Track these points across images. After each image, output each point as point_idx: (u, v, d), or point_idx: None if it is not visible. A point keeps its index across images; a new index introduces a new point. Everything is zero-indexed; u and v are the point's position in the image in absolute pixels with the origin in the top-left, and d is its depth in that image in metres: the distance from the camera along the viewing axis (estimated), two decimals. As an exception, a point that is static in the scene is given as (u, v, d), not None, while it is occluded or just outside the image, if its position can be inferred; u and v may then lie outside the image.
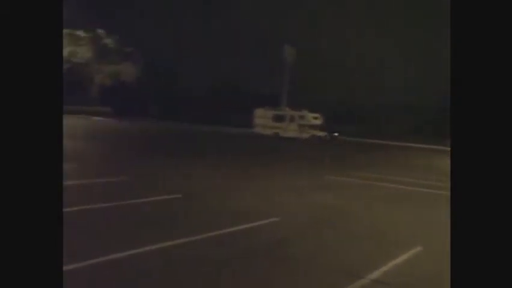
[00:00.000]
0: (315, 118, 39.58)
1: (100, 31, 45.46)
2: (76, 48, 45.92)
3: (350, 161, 24.87)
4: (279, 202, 10.61)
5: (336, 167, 19.49)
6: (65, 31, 45.61)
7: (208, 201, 10.15)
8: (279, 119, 40.36)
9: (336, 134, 39.19)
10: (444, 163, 19.95)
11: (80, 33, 45.76)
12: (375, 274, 5.90)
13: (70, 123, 34.92)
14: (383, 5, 57.76)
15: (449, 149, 3.06)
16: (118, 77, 46.99)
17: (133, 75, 46.95)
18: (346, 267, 6.25)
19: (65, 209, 8.32)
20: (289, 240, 7.44)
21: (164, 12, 48.47)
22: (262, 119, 41.06)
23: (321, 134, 38.40)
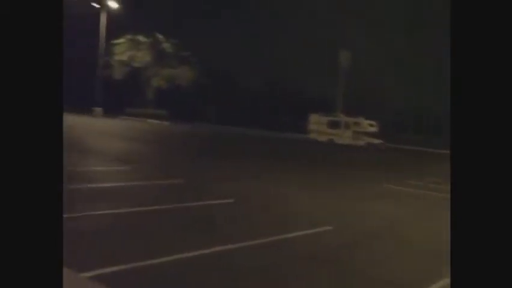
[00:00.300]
0: (371, 125, 38.86)
1: (159, 36, 46.36)
2: (136, 52, 47.02)
3: (409, 170, 24.17)
4: (334, 210, 10.36)
5: (394, 176, 18.95)
6: (126, 36, 46.83)
7: (261, 206, 10.02)
8: (334, 125, 39.91)
9: (380, 142, 38.17)
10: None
11: (141, 38, 46.82)
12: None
13: (127, 125, 35.68)
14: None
15: None
16: (175, 80, 47.74)
17: (189, 78, 47.56)
18: (396, 280, 5.97)
19: (119, 210, 8.41)
20: (341, 250, 7.21)
21: (221, 14, 48.95)
22: (317, 125, 40.73)
23: (377, 141, 37.65)
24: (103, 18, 42.06)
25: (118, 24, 43.60)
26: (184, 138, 30.42)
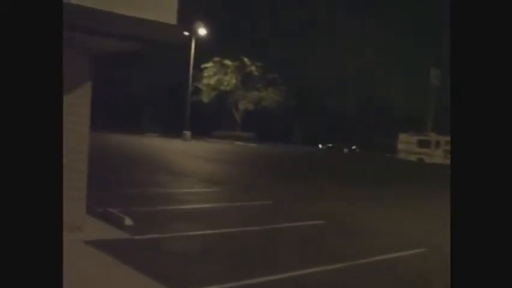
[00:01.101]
0: (464, 144, 37.12)
1: (245, 59, 47.34)
2: (223, 76, 48.31)
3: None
4: (426, 232, 9.99)
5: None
6: (214, 59, 48.21)
7: (351, 228, 9.87)
8: (424, 144, 38.68)
9: None
10: None
11: (227, 61, 48.06)
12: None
13: (215, 148, 36.50)
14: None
15: None
16: (261, 102, 48.44)
17: (276, 100, 48.07)
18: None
19: (210, 231, 8.59)
20: (430, 274, 6.95)
21: (307, 34, 49.16)
22: (406, 145, 39.69)
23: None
24: (192, 45, 43.64)
25: (207, 49, 45.11)
26: (271, 160, 30.68)
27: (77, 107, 7.46)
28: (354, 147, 50.06)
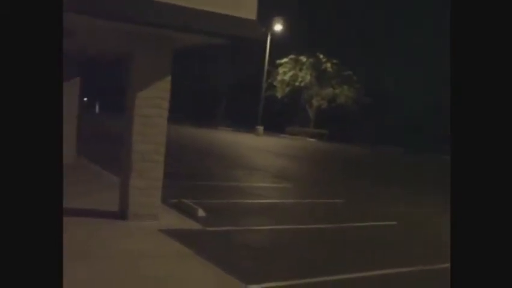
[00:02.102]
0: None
1: (321, 56, 46.98)
2: (297, 72, 48.19)
3: None
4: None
5: None
6: (289, 57, 48.17)
7: (423, 231, 9.60)
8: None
9: None
10: None
11: (303, 58, 47.89)
12: None
13: (287, 143, 36.51)
14: None
15: None
16: (335, 99, 47.95)
17: (350, 98, 47.44)
18: None
19: (281, 227, 8.62)
20: None
21: (385, 33, 48.14)
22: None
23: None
24: (268, 41, 43.85)
25: (282, 45, 45.13)
26: (344, 158, 30.33)
27: (157, 99, 7.69)
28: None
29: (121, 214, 7.78)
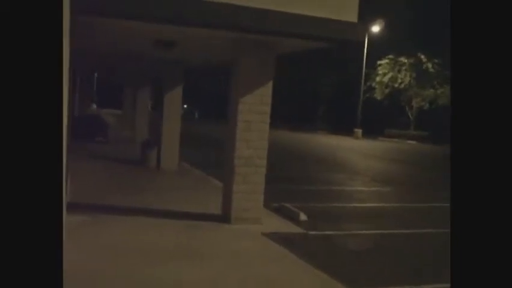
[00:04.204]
0: None
1: (422, 56, 45.40)
2: (397, 73, 46.89)
3: None
4: None
5: None
6: (388, 58, 47.01)
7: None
8: None
9: None
10: None
11: (402, 59, 46.55)
12: None
13: (387, 146, 35.64)
14: None
15: None
16: (437, 100, 46.08)
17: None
18: None
19: (384, 231, 8.44)
20: None
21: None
22: None
23: None
24: (366, 43, 43.14)
25: (381, 47, 44.18)
26: (445, 160, 29.09)
27: (259, 105, 7.83)
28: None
29: (224, 217, 7.99)
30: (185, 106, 66.50)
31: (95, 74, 29.30)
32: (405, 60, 46.58)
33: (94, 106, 31.45)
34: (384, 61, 47.41)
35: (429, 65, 45.58)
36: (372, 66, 47.26)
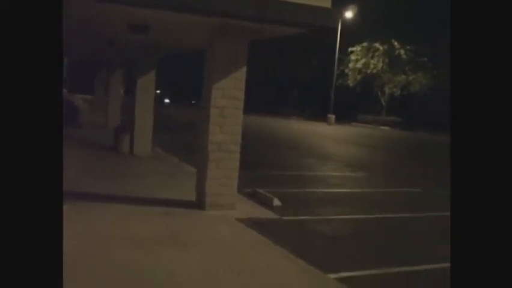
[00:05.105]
0: None
1: (395, 42, 45.72)
2: (369, 60, 47.21)
3: None
4: None
5: None
6: (361, 45, 47.27)
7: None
8: None
9: None
10: None
11: (376, 45, 46.85)
12: None
13: (359, 132, 36.00)
14: None
15: None
16: (408, 87, 46.60)
17: (425, 85, 45.89)
18: None
19: (359, 216, 8.56)
20: None
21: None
22: None
23: None
24: (338, 29, 43.27)
25: (353, 33, 44.35)
26: (418, 145, 29.53)
27: (233, 90, 7.80)
28: None
29: (199, 204, 7.97)
30: (158, 91, 65.74)
31: (66, 59, 28.76)
32: (380, 47, 46.90)
33: (65, 91, 30.90)
34: (357, 48, 47.67)
35: (402, 52, 46.01)
36: (346, 52, 47.52)
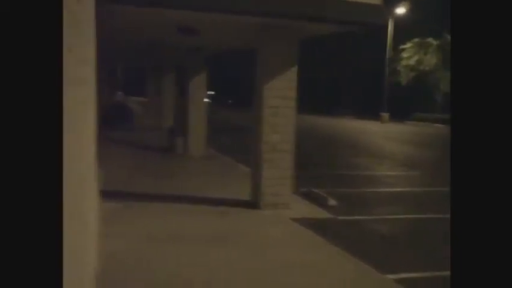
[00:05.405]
0: None
1: (448, 37, 44.47)
2: (423, 56, 46.07)
3: None
4: None
5: None
6: (413, 41, 46.22)
7: None
8: None
9: None
10: None
11: (429, 40, 45.71)
12: None
13: (414, 130, 35.24)
14: None
15: None
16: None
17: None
18: None
19: (416, 216, 8.35)
20: None
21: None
22: None
23: None
24: (391, 26, 42.50)
25: (405, 29, 43.46)
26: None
27: (285, 90, 7.79)
28: None
29: (253, 203, 8.00)
30: (211, 92, 66.36)
31: (121, 63, 29.53)
32: (434, 42, 45.70)
33: (121, 94, 31.77)
34: (408, 45, 46.64)
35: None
36: (398, 49, 46.61)
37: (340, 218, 7.88)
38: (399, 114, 46.86)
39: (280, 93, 7.78)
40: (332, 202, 8.72)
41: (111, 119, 19.49)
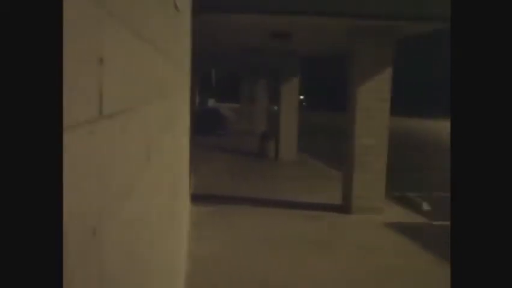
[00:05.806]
0: None
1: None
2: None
3: None
4: None
5: None
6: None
7: None
8: None
9: None
10: None
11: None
12: None
13: None
14: None
15: None
16: None
17: None
18: None
19: None
20: None
21: None
22: None
23: None
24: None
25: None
26: None
27: (379, 92, 7.67)
28: None
29: (345, 207, 7.93)
30: (301, 97, 66.44)
31: (214, 70, 30.37)
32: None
33: (213, 101, 32.67)
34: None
35: None
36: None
37: (435, 223, 7.62)
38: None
39: (373, 95, 7.67)
40: (427, 207, 8.45)
41: (204, 125, 20.08)
